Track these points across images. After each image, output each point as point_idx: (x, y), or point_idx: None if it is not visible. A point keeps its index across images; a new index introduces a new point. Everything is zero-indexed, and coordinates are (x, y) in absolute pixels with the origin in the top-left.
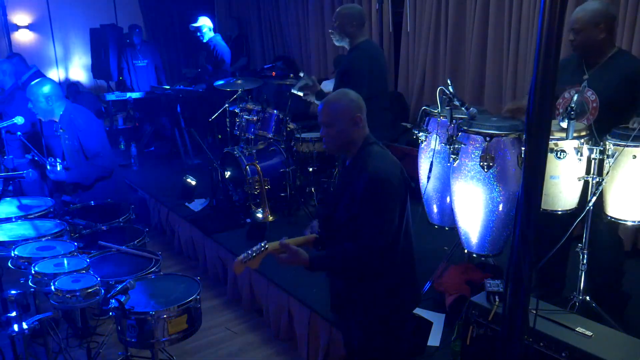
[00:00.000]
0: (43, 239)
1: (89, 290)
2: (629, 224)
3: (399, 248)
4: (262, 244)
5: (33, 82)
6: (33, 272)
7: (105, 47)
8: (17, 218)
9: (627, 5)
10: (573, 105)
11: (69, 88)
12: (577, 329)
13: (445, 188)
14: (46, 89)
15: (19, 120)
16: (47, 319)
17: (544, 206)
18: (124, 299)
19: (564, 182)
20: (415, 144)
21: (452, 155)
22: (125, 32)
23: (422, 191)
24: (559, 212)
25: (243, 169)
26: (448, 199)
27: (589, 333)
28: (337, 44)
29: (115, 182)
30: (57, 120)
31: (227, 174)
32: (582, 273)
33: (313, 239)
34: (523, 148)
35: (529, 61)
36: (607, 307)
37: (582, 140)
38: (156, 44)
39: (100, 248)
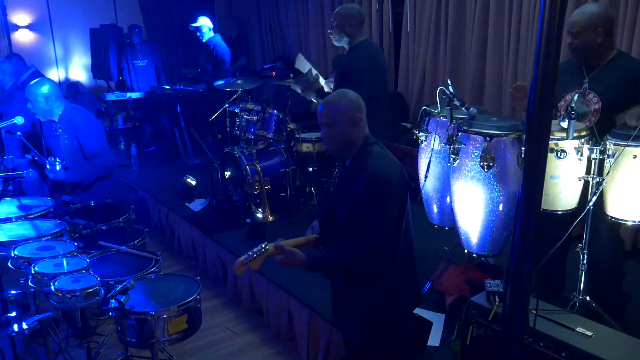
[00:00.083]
0: (43, 239)
1: (89, 290)
2: (629, 224)
3: (399, 248)
4: (263, 245)
5: (32, 82)
6: (33, 272)
7: (105, 47)
8: (17, 218)
9: (627, 6)
10: (573, 105)
11: (69, 88)
12: (577, 329)
13: (445, 188)
14: (45, 89)
15: (19, 120)
16: (47, 319)
17: (544, 206)
18: (124, 299)
19: (564, 182)
20: (415, 144)
21: (452, 155)
22: (125, 32)
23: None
24: (559, 212)
25: (243, 169)
26: (448, 199)
27: (589, 333)
28: (336, 43)
29: (115, 182)
30: (56, 120)
31: (227, 174)
32: (582, 273)
33: (313, 239)
34: (523, 148)
35: (529, 61)
36: (607, 307)
37: (583, 140)
38: (156, 44)
39: (100, 248)
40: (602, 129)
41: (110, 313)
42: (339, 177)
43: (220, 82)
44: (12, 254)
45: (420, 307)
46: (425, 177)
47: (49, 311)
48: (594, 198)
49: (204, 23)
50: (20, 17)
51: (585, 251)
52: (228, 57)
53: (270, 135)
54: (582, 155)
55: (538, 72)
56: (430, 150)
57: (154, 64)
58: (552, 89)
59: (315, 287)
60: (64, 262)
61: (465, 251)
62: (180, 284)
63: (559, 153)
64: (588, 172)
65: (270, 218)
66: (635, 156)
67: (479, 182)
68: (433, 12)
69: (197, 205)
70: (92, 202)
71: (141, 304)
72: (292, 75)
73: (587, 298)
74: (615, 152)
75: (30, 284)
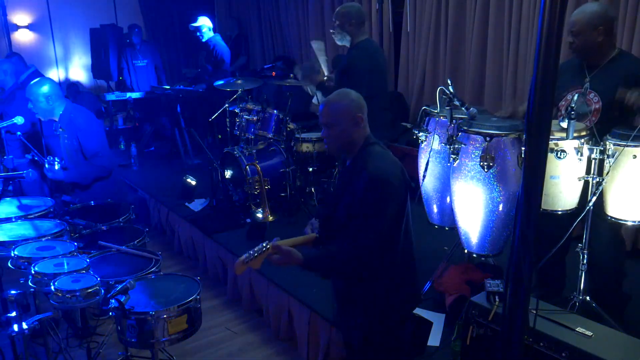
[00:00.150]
0: (43, 239)
1: (89, 290)
2: (629, 223)
3: (399, 248)
4: (264, 244)
5: (32, 82)
6: (33, 272)
7: (105, 47)
8: (17, 218)
9: (627, 5)
10: (573, 105)
11: (69, 88)
12: (577, 329)
13: (445, 188)
14: (46, 88)
15: (19, 120)
16: (47, 319)
17: (544, 206)
18: (124, 299)
19: (564, 182)
20: (415, 144)
21: (452, 155)
22: (125, 32)
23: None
24: (559, 212)
25: (243, 169)
26: (448, 199)
27: (589, 333)
28: (339, 43)
29: (114, 182)
30: (56, 119)
31: (227, 174)
32: (582, 273)
33: (313, 239)
34: (523, 148)
35: (529, 61)
36: (607, 307)
37: (583, 140)
38: (156, 44)
39: (100, 248)
40: (602, 129)
41: (110, 313)
42: (339, 177)
43: (220, 82)
44: (12, 254)
45: (420, 307)
46: (424, 176)
47: (49, 311)
48: (594, 198)
49: (204, 23)
50: (20, 17)
51: (585, 251)
52: (228, 57)
53: (270, 135)
54: (582, 155)
55: (538, 72)
56: (431, 151)
57: (154, 64)
58: (552, 89)
59: (315, 287)
60: (64, 262)
61: (465, 251)
62: (180, 284)
63: (559, 153)
64: (588, 172)
65: (270, 218)
66: (635, 156)
67: (479, 182)
68: (433, 12)
69: (197, 205)
70: (92, 202)
71: (141, 304)
72: (292, 75)
73: (587, 298)
74: (615, 152)
75: (30, 284)
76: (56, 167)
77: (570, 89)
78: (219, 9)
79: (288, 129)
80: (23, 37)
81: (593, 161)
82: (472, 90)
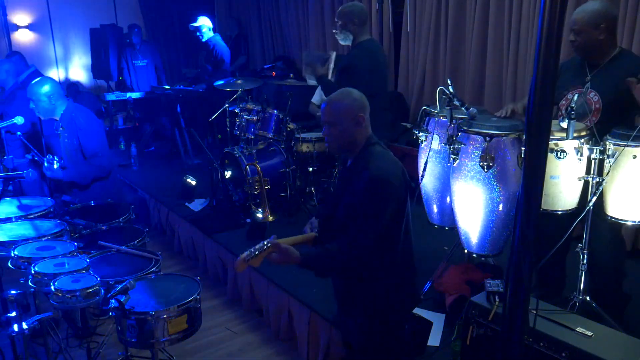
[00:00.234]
0: (43, 239)
1: (89, 290)
2: (629, 223)
3: (399, 248)
4: (265, 242)
5: (33, 82)
6: (33, 272)
7: (105, 47)
8: (17, 218)
9: (627, 5)
10: (573, 105)
11: (69, 88)
12: (577, 329)
13: (445, 188)
14: (47, 87)
15: (19, 120)
16: (47, 319)
17: (544, 206)
18: (124, 299)
19: (564, 182)
20: (415, 144)
21: (452, 155)
22: (125, 32)
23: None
24: (559, 212)
25: (243, 169)
26: (448, 199)
27: (589, 333)
28: (342, 43)
29: (113, 183)
30: (57, 118)
31: (227, 174)
32: (582, 273)
33: (312, 238)
34: (523, 148)
35: (529, 61)
36: (607, 307)
37: (583, 140)
38: (156, 44)
39: (100, 248)
40: (602, 129)
41: (110, 313)
42: (339, 176)
43: (220, 82)
44: (12, 254)
45: (420, 307)
46: (422, 176)
47: (49, 311)
48: (594, 198)
49: (204, 23)
50: (20, 17)
51: (585, 251)
52: (228, 57)
53: (270, 135)
54: (582, 155)
55: (538, 72)
56: (430, 151)
57: (154, 64)
58: (552, 89)
59: (315, 287)
60: (64, 262)
61: (465, 251)
62: (180, 284)
63: (559, 153)
64: (588, 172)
65: (270, 218)
66: (635, 156)
67: (478, 182)
68: (433, 12)
69: (197, 205)
70: (92, 202)
71: (141, 304)
72: (292, 75)
73: (587, 298)
74: (615, 152)
75: (30, 284)
76: (55, 165)
77: (571, 88)
78: (219, 9)
79: (288, 129)
80: (23, 37)
81: (593, 161)
82: (472, 90)
